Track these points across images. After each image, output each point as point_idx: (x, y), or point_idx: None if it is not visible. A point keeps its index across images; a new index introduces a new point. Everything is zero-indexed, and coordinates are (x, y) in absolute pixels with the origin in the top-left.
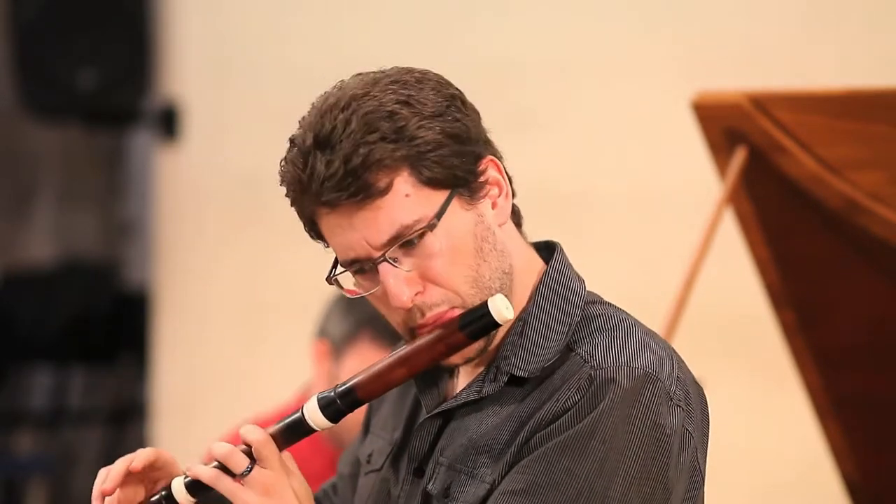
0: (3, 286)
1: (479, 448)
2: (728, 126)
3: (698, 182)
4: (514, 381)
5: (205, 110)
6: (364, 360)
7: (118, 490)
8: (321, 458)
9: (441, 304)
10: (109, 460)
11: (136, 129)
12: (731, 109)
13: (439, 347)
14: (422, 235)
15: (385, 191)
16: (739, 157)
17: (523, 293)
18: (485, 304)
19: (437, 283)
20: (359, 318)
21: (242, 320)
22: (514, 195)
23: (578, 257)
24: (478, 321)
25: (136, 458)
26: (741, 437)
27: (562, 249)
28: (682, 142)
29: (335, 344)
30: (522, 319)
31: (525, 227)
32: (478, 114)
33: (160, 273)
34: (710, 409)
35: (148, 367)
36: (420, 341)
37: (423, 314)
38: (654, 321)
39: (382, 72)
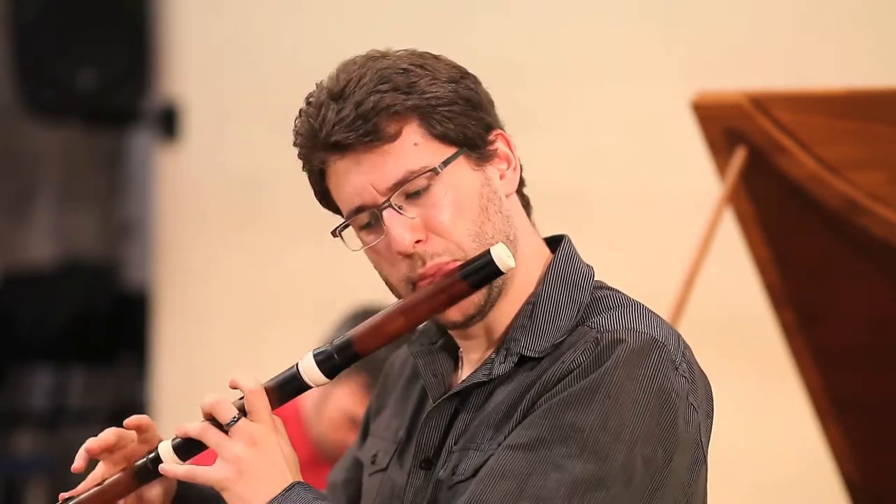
0: (3, 286)
1: (488, 424)
2: (728, 126)
3: (698, 182)
4: (524, 361)
5: (205, 110)
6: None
7: (103, 466)
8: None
9: (442, 254)
10: None
11: (136, 129)
12: (731, 109)
13: (440, 298)
14: (428, 186)
15: (394, 137)
16: (739, 157)
17: (531, 278)
18: (487, 253)
19: (439, 234)
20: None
21: (242, 320)
22: (523, 184)
23: None
24: (481, 270)
25: (129, 420)
26: (741, 437)
27: (569, 239)
28: (682, 142)
29: None
30: (532, 303)
31: None
32: (491, 101)
33: (160, 273)
34: None
35: (148, 367)
36: (420, 292)
37: (423, 263)
38: None
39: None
